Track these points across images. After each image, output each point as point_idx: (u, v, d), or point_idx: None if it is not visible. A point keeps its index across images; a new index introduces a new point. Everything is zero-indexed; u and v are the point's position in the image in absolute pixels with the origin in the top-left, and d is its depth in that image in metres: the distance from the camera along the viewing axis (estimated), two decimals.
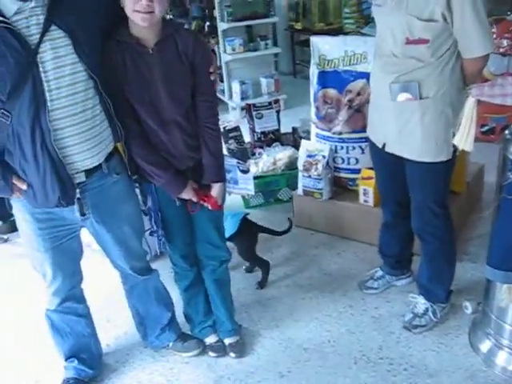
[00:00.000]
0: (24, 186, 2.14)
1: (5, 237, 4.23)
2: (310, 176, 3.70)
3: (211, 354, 2.82)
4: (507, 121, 4.87)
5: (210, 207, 2.48)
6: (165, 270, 2.96)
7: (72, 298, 2.54)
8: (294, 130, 4.88)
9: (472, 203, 3.92)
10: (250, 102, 5.59)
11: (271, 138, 4.80)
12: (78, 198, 2.23)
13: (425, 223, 2.78)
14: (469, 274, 3.26)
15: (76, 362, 2.66)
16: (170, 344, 2.85)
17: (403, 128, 2.58)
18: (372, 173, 3.43)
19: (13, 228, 3.67)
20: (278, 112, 4.91)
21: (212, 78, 2.40)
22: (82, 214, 2.28)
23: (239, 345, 2.84)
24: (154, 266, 2.78)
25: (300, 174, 3.79)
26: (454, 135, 2.45)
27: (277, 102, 5.02)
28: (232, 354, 2.81)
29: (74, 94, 2.07)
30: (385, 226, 3.11)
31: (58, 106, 2.04)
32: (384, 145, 2.71)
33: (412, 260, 3.21)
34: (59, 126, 2.06)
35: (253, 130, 4.82)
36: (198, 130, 2.41)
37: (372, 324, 2.95)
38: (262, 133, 4.81)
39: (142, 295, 2.73)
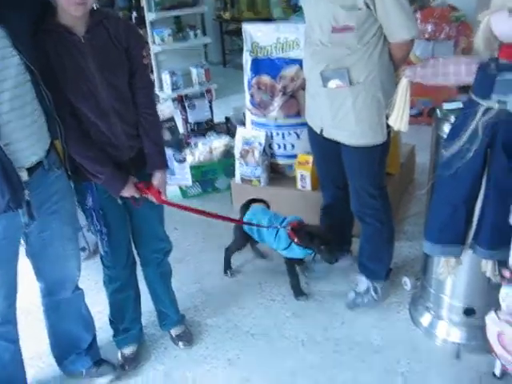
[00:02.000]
0: None
1: None
2: (247, 163, 3.71)
3: (126, 367, 2.70)
4: (433, 103, 5.03)
5: (154, 200, 2.42)
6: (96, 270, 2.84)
7: (3, 319, 2.28)
8: (228, 119, 4.89)
9: (406, 184, 4.04)
10: (181, 92, 5.55)
11: (205, 128, 4.79)
12: (27, 200, 2.07)
13: (363, 205, 2.84)
14: (406, 252, 3.36)
15: None
16: (84, 371, 2.64)
17: (337, 114, 2.62)
18: (308, 158, 3.48)
19: None
20: (210, 102, 4.91)
21: (145, 62, 2.35)
22: (31, 217, 2.13)
23: (187, 334, 2.83)
24: (86, 265, 2.68)
25: (237, 162, 3.79)
26: (388, 117, 2.51)
27: (208, 91, 5.02)
28: (181, 344, 2.79)
29: (15, 87, 1.97)
30: (325, 209, 3.16)
31: (1, 99, 1.93)
32: (321, 130, 2.75)
33: (352, 241, 3.27)
34: (2, 122, 1.95)
35: (186, 121, 4.80)
36: (138, 118, 2.36)
37: (316, 306, 2.99)
38: (196, 123, 4.80)
39: (63, 314, 2.55)
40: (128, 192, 2.36)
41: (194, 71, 6.47)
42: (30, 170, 2.09)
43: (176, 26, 6.45)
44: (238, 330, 2.88)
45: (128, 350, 2.75)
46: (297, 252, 3.00)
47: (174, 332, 2.84)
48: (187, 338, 2.82)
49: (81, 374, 2.65)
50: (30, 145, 2.05)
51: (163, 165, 2.45)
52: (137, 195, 2.39)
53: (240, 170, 3.78)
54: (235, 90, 6.66)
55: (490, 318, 2.14)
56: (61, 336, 2.61)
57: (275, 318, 2.93)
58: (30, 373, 2.62)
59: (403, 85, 2.40)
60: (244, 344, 2.78)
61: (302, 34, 3.32)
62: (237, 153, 3.77)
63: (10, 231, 2.13)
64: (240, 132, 3.83)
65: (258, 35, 3.69)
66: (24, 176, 2.05)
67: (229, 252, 3.32)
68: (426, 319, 2.81)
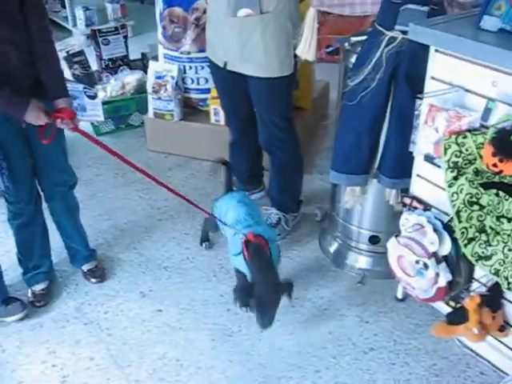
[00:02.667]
0: None
1: None
2: (159, 98, 3.65)
3: (36, 303, 2.67)
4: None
5: (69, 124, 2.29)
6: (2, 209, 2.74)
7: None
8: (143, 55, 4.75)
9: (318, 119, 4.08)
10: (94, 28, 5.32)
11: (120, 65, 4.64)
12: None
13: (271, 137, 2.86)
14: (317, 185, 3.44)
15: None
16: None
17: (245, 45, 2.59)
18: None
19: None
20: (125, 38, 4.73)
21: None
22: None
23: (99, 269, 2.82)
24: None
25: (150, 97, 3.72)
26: (295, 47, 2.51)
27: (124, 27, 4.83)
28: (93, 280, 2.78)
29: None
30: (233, 144, 3.17)
31: None
32: (225, 63, 2.72)
33: (263, 174, 3.31)
34: None
35: (100, 57, 4.62)
36: (32, 46, 2.24)
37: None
38: (110, 59, 4.63)
39: None
40: (33, 116, 2.22)
41: (109, 6, 6.20)
42: None
43: None
44: (150, 264, 2.89)
45: (38, 288, 2.70)
46: (242, 266, 2.43)
47: (85, 268, 2.81)
48: (99, 273, 2.81)
49: None
50: None
51: (65, 92, 2.35)
52: (45, 120, 2.24)
53: (153, 104, 3.71)
54: (152, 28, 6.38)
55: (391, 243, 2.23)
56: None
57: (188, 251, 2.96)
58: None
59: (310, 14, 2.40)
60: (157, 277, 2.80)
61: None
62: (149, 87, 3.69)
63: None
64: (152, 66, 3.74)
65: None
66: None
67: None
68: (333, 248, 2.91)
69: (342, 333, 2.48)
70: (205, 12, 3.51)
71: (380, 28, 2.23)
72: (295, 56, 2.56)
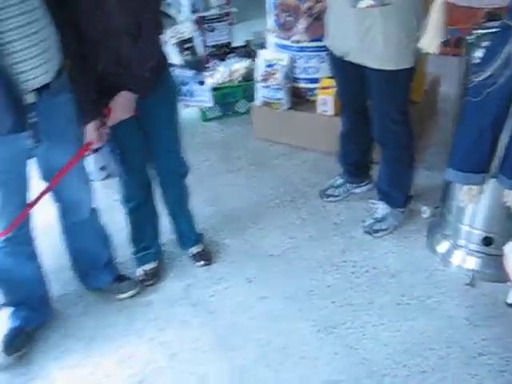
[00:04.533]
0: None
1: None
2: (268, 86, 3.66)
3: (146, 282, 2.77)
4: (460, 33, 4.88)
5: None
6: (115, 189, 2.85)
7: (21, 238, 2.33)
8: (247, 43, 4.78)
9: (428, 112, 3.97)
10: (199, 14, 5.41)
11: (224, 52, 4.70)
12: (33, 123, 2.04)
13: (385, 130, 2.81)
14: (425, 181, 3.34)
15: (21, 309, 2.49)
16: (106, 286, 2.72)
17: (365, 36, 2.55)
18: (331, 82, 3.41)
19: None
20: (230, 25, 4.79)
21: None
22: (37, 141, 2.12)
23: (206, 253, 2.88)
24: (107, 184, 2.67)
25: (258, 85, 3.74)
26: (419, 39, 2.44)
27: (228, 14, 4.89)
28: (200, 262, 2.84)
29: (21, 2, 1.88)
30: (344, 134, 3.14)
31: (6, 15, 1.82)
32: (344, 54, 2.69)
33: (371, 167, 3.26)
34: (9, 39, 1.85)
35: (204, 44, 4.70)
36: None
37: (334, 230, 3.02)
38: (214, 46, 4.70)
39: (80, 234, 2.58)
40: (88, 133, 2.30)
41: None
42: (38, 92, 2.03)
43: None
44: (256, 251, 2.92)
45: (148, 267, 2.80)
46: None
47: (193, 250, 2.88)
48: (206, 256, 2.87)
49: (103, 289, 2.72)
50: (37, 65, 1.97)
51: (131, 87, 2.28)
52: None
53: (261, 92, 3.73)
54: (256, 15, 6.45)
55: (509, 248, 2.14)
56: (79, 254, 2.66)
57: (293, 240, 2.97)
58: (54, 287, 2.70)
59: (437, 5, 2.32)
60: (262, 264, 2.83)
61: None
62: (258, 75, 3.71)
63: (12, 153, 2.10)
64: (262, 54, 3.75)
65: None
66: (31, 98, 2.00)
67: None
68: (443, 247, 2.82)
69: (451, 335, 2.41)
70: (318, 1, 3.51)
71: (510, 22, 2.13)
72: (417, 49, 2.49)
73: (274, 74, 3.63)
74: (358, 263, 2.79)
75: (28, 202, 2.29)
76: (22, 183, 2.23)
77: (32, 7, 1.91)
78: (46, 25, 2.00)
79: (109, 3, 2.10)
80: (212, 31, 4.73)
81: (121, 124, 2.35)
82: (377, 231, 2.95)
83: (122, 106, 2.29)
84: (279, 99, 3.66)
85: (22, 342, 2.47)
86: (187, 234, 2.88)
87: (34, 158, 2.25)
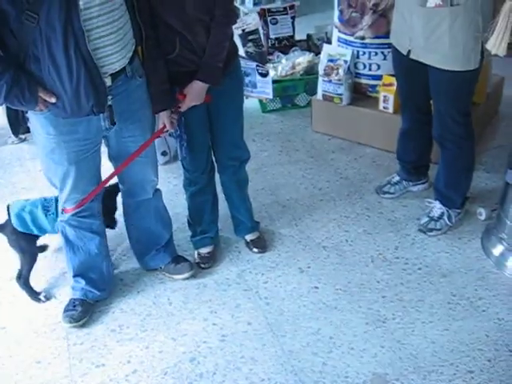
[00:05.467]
0: (53, 99, 2.03)
1: (22, 137, 4.26)
2: (330, 81, 3.70)
3: (202, 265, 2.85)
4: None
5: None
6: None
7: (88, 212, 2.46)
8: (309, 36, 4.81)
9: (490, 115, 3.94)
10: (263, 7, 5.46)
11: (285, 45, 4.74)
12: (109, 105, 2.16)
13: (446, 130, 2.81)
14: (483, 183, 3.33)
15: (84, 282, 2.60)
16: (163, 266, 2.81)
17: (431, 35, 2.56)
18: (393, 79, 3.42)
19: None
20: (292, 18, 4.83)
21: None
22: (112, 123, 2.23)
23: (261, 240, 2.95)
24: (167, 169, 2.73)
25: (320, 79, 3.78)
26: (486, 41, 2.44)
27: (292, 7, 4.93)
28: (254, 249, 2.91)
29: None
30: (404, 133, 3.15)
31: (90, 4, 1.93)
32: (409, 51, 2.70)
33: (429, 166, 3.26)
34: (92, 27, 1.96)
35: (267, 36, 4.75)
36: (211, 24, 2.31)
37: (388, 226, 3.04)
38: (277, 39, 4.76)
39: (143, 214, 2.68)
40: (161, 118, 2.41)
41: None
42: (114, 76, 2.14)
43: None
44: (310, 242, 2.97)
45: (204, 251, 2.89)
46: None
47: (248, 237, 2.95)
48: (261, 244, 2.94)
49: (160, 269, 2.83)
50: (115, 51, 2.07)
51: (204, 77, 2.36)
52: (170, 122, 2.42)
53: (322, 86, 3.77)
54: (317, 9, 6.52)
55: None
56: (140, 233, 2.76)
57: (347, 234, 3.01)
58: (114, 264, 2.83)
59: (506, 7, 2.31)
60: (315, 255, 2.88)
61: None
62: (321, 69, 3.75)
63: (91, 133, 2.22)
64: (326, 49, 3.79)
65: None
66: (108, 82, 2.11)
67: (23, 280, 2.73)
68: (498, 250, 2.81)
69: (500, 337, 2.41)
70: None
71: None
72: (482, 51, 2.49)
73: (336, 68, 3.66)
74: (411, 260, 2.81)
75: (99, 179, 2.42)
76: (94, 162, 2.36)
77: None
78: (124, 12, 2.10)
79: None
80: (275, 24, 4.78)
81: (190, 109, 2.43)
82: (431, 230, 2.96)
83: (197, 93, 2.38)
84: (340, 94, 3.70)
85: (82, 313, 2.59)
86: (244, 220, 2.94)
87: (106, 138, 2.37)
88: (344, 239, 2.97)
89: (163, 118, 2.40)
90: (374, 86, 3.72)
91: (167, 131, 2.48)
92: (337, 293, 2.65)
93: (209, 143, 2.67)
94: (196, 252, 2.90)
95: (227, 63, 2.42)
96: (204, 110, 2.51)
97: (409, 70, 2.82)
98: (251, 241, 2.94)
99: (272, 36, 4.75)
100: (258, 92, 4.05)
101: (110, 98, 2.14)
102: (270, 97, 4.08)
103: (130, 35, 2.17)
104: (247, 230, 2.96)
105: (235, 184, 2.83)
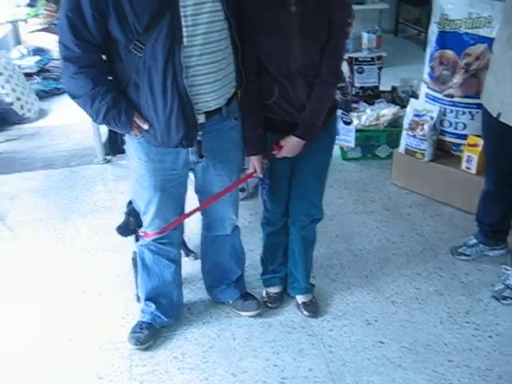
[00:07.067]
0: (146, 126, 2.14)
1: (108, 158, 4.45)
2: (414, 135, 3.69)
3: (269, 304, 2.85)
4: None
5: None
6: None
7: (167, 240, 2.52)
8: (394, 88, 4.82)
9: None
10: (350, 55, 5.54)
11: (369, 95, 4.77)
12: (199, 141, 2.23)
13: None
14: None
15: (154, 307, 2.66)
16: (231, 301, 2.83)
17: None
18: (478, 140, 3.40)
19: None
20: (379, 69, 4.86)
21: (347, 30, 2.34)
22: (200, 157, 2.28)
23: (313, 304, 2.85)
24: (243, 205, 2.78)
25: (404, 133, 3.78)
26: None
27: (380, 58, 4.98)
28: (305, 313, 2.82)
29: (210, 32, 2.05)
30: (485, 194, 3.10)
31: (193, 43, 2.02)
32: (499, 114, 2.68)
33: (508, 232, 3.19)
34: (192, 64, 2.04)
35: (351, 84, 4.80)
36: (317, 77, 2.30)
37: (461, 289, 2.98)
38: (361, 88, 4.79)
39: (218, 248, 2.72)
40: (251, 163, 2.44)
41: (365, 36, 6.36)
42: (208, 114, 2.21)
43: None
44: (379, 295, 2.95)
45: (273, 290, 2.90)
46: None
47: (300, 299, 2.86)
48: (313, 308, 2.83)
49: (227, 303, 2.86)
50: (211, 90, 2.15)
51: (303, 134, 2.36)
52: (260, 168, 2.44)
53: (406, 140, 3.77)
54: (404, 61, 6.56)
55: None
56: (213, 266, 2.81)
57: (418, 292, 2.96)
58: (184, 293, 2.87)
59: None
60: (383, 309, 2.85)
61: (496, 13, 3.24)
62: (406, 123, 3.75)
63: (178, 165, 2.30)
64: (412, 103, 3.80)
65: (449, 7, 3.58)
66: (201, 119, 2.19)
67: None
68: None
69: None
70: (477, 58, 3.52)
71: None
72: None
73: (421, 124, 3.66)
74: (482, 327, 2.73)
75: (182, 209, 2.51)
76: (179, 192, 2.44)
77: (218, 38, 2.10)
78: (228, 55, 2.18)
79: (293, 45, 2.20)
80: (361, 73, 4.83)
81: (275, 158, 2.46)
82: (505, 298, 2.88)
83: (293, 147, 2.39)
84: (423, 150, 3.68)
85: (148, 336, 2.65)
86: (299, 279, 2.83)
87: (194, 171, 2.45)
88: (414, 296, 2.93)
89: (254, 162, 2.43)
90: (458, 145, 3.68)
91: (256, 176, 2.50)
92: (402, 350, 2.61)
93: (288, 192, 2.64)
94: (265, 291, 2.92)
95: (325, 118, 2.41)
96: (290, 160, 2.48)
97: (497, 132, 2.80)
98: (303, 303, 2.84)
99: (357, 84, 4.80)
100: (340, 139, 4.09)
101: (200, 133, 2.21)
102: (352, 145, 4.10)
103: (232, 77, 2.24)
104: (300, 291, 2.86)
105: (300, 239, 2.73)
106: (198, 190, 2.55)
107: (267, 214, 2.76)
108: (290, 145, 2.39)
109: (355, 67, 4.80)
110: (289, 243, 2.80)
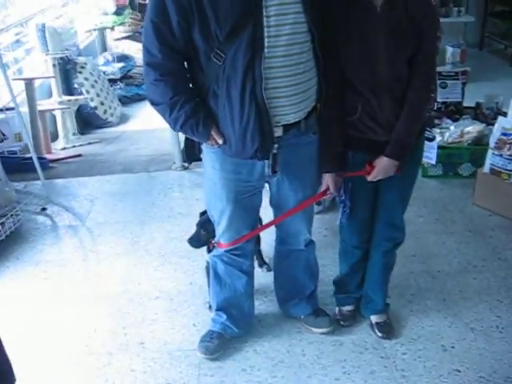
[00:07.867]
0: (220, 141, 2.12)
1: (185, 164, 4.50)
2: (501, 155, 3.55)
3: (341, 322, 2.78)
4: None
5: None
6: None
7: (240, 251, 2.51)
8: (478, 105, 4.66)
9: None
10: None
11: (452, 110, 4.63)
12: (274, 154, 2.18)
13: None
14: None
15: (225, 317, 2.64)
16: (303, 316, 2.78)
17: None
18: None
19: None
20: (463, 84, 4.72)
21: (436, 44, 2.26)
22: (274, 171, 2.25)
23: (387, 325, 2.75)
24: (319, 219, 2.76)
25: (490, 152, 3.64)
26: None
27: (464, 73, 4.83)
28: (379, 333, 2.73)
29: (292, 44, 2.00)
30: None
31: (275, 54, 1.98)
32: None
33: None
34: (271, 75, 2.01)
35: (434, 99, 4.67)
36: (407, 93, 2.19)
37: None
38: (444, 103, 4.66)
39: (292, 263, 2.67)
40: (326, 180, 2.36)
41: (449, 50, 6.21)
42: (286, 128, 2.16)
43: (440, 0, 6.20)
44: (457, 320, 2.82)
45: (346, 309, 2.83)
46: None
47: (374, 319, 2.78)
48: (387, 329, 2.74)
49: (299, 318, 2.80)
50: (291, 104, 2.10)
51: (393, 154, 2.26)
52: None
53: (491, 159, 3.62)
54: (488, 77, 6.35)
55: None
56: (286, 280, 2.77)
57: (499, 320, 2.82)
58: (255, 304, 2.85)
59: None
60: (461, 335, 2.72)
61: None
62: (492, 142, 3.61)
63: (253, 177, 2.27)
64: (500, 121, 3.65)
65: None
66: (278, 132, 2.15)
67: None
68: None
69: None
70: None
71: None
72: None
73: (509, 143, 3.51)
74: None
75: (256, 222, 2.50)
76: (253, 204, 2.42)
77: (300, 50, 2.06)
78: (310, 68, 2.13)
79: (380, 57, 2.13)
80: (444, 88, 4.70)
81: (359, 177, 2.36)
82: None
83: (385, 168, 2.29)
84: (510, 170, 3.53)
85: (217, 346, 2.64)
86: (375, 299, 2.76)
87: (269, 184, 2.42)
88: (495, 324, 2.79)
89: (328, 180, 2.36)
90: None
91: (330, 194, 2.42)
92: (480, 381, 2.48)
93: (370, 217, 2.53)
94: (337, 308, 2.86)
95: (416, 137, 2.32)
96: (374, 184, 2.39)
97: None
98: (377, 323, 2.75)
99: (439, 100, 4.67)
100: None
101: (276, 146, 2.17)
102: (433, 162, 3.99)
103: (313, 91, 2.18)
104: (375, 311, 2.77)
105: (380, 263, 2.65)
106: (272, 204, 2.52)
107: (345, 245, 2.68)
108: (383, 166, 2.29)
109: (438, 82, 4.68)
110: (368, 267, 2.71)
